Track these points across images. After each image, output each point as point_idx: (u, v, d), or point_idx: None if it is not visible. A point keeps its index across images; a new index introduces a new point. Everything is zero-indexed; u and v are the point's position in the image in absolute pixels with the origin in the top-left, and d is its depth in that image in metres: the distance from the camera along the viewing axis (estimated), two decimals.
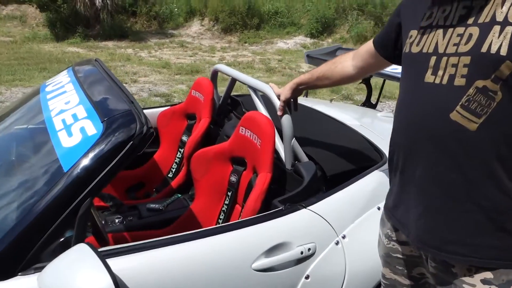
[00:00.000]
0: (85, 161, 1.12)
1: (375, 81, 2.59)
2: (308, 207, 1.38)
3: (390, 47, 1.24)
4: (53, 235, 1.07)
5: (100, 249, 1.04)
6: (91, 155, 1.14)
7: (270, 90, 1.63)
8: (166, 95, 6.06)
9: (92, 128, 1.21)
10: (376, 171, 1.58)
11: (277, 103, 1.58)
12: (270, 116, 1.69)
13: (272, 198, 1.45)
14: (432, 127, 0.97)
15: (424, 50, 1.01)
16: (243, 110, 2.11)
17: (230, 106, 2.27)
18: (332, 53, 2.94)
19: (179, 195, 2.01)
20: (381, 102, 4.29)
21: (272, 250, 1.27)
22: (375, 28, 11.25)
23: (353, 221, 1.43)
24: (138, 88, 6.47)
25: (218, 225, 1.30)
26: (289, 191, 1.58)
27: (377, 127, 2.11)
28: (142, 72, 7.64)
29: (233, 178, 1.73)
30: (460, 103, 0.92)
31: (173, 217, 1.85)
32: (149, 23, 12.88)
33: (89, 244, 0.99)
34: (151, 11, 12.77)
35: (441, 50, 0.97)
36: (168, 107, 2.42)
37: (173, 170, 2.30)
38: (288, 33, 12.49)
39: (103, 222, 1.75)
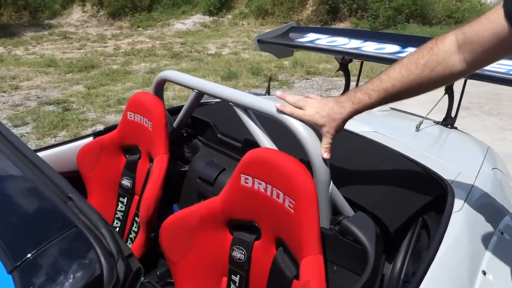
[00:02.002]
0: None
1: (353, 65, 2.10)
2: None
3: None
4: None
5: None
6: None
7: (282, 114, 1.00)
8: (61, 101, 4.98)
9: None
10: (453, 213, 1.08)
11: (311, 140, 0.96)
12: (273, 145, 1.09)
13: None
14: None
15: None
16: (218, 135, 1.44)
17: (191, 129, 1.58)
18: (285, 34, 2.35)
19: (143, 279, 1.32)
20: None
21: None
22: (275, 0, 10.84)
23: None
24: (23, 96, 5.26)
25: None
26: (333, 263, 1.01)
27: (396, 132, 1.58)
28: (23, 74, 6.31)
29: (238, 254, 1.10)
30: None
31: None
32: (18, 14, 11.05)
33: None
34: (18, 0, 10.91)
35: None
36: (91, 138, 1.66)
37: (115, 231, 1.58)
38: (184, 12, 11.59)
39: None
